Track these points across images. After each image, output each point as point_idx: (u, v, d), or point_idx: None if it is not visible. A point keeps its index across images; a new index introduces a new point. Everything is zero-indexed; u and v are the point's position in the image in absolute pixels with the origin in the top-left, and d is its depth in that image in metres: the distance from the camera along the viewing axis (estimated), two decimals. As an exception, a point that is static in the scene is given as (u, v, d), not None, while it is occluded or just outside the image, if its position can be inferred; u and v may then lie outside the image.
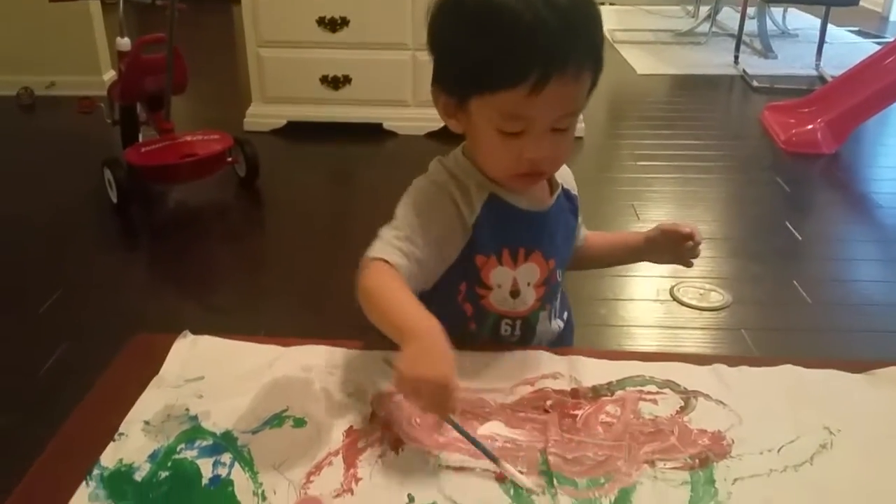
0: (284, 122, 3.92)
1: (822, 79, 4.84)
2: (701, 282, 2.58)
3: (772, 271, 2.74)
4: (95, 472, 0.82)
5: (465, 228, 1.02)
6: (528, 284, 1.06)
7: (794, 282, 2.61)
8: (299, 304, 2.46)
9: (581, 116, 3.77)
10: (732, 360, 1.02)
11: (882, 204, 3.32)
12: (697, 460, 0.85)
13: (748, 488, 0.82)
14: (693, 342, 2.33)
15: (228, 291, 2.63)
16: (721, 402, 0.94)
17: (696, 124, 4.16)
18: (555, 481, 0.81)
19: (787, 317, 2.47)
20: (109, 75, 4.45)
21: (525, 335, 1.10)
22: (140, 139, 3.27)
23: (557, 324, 1.15)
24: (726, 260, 2.79)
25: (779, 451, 0.87)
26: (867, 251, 2.96)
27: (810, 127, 3.83)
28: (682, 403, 0.94)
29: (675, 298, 2.52)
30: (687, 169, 3.58)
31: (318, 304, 2.41)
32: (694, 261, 1.19)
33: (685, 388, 0.96)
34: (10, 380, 2.12)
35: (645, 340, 2.34)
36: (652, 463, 0.85)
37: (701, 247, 1.17)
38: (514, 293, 1.06)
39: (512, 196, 1.04)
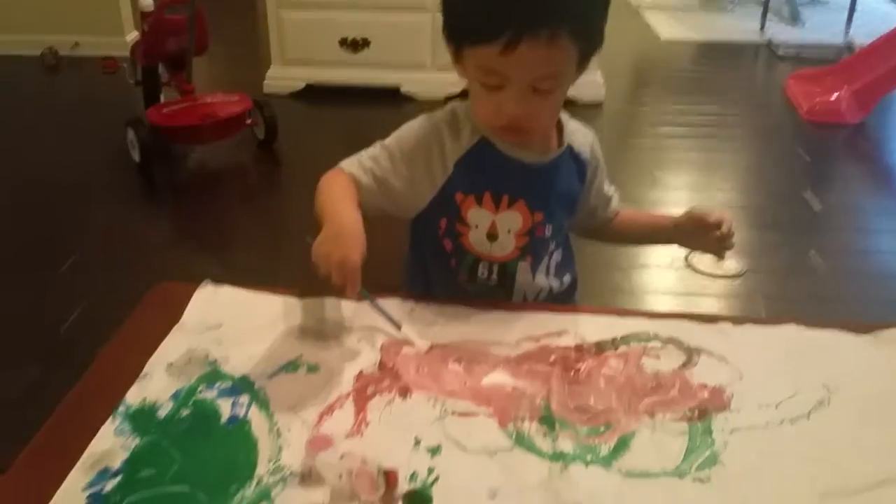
0: (303, 85, 3.93)
1: (850, 48, 4.76)
2: (716, 250, 2.58)
3: (789, 240, 2.74)
4: (121, 409, 0.86)
5: (445, 165, 1.08)
6: (509, 231, 1.10)
7: (812, 251, 2.62)
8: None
9: (601, 81, 3.83)
10: (738, 320, 1.05)
11: (908, 175, 3.29)
12: (696, 412, 0.88)
13: (745, 439, 0.84)
14: (707, 309, 2.35)
15: (247, 250, 2.68)
16: (723, 359, 0.97)
17: (719, 92, 4.13)
18: (557, 426, 0.84)
19: (802, 286, 2.47)
20: (132, 36, 4.48)
21: (503, 282, 1.13)
22: (161, 100, 3.30)
23: (549, 282, 1.17)
24: (743, 228, 2.78)
25: (777, 406, 0.89)
26: (888, 223, 2.94)
27: (835, 96, 3.79)
28: (685, 359, 0.97)
29: (689, 266, 2.53)
30: (707, 137, 3.56)
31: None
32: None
33: (689, 345, 0.99)
34: (34, 334, 2.18)
35: (658, 307, 2.36)
36: (652, 414, 0.88)
37: (734, 239, 1.14)
38: (492, 236, 1.10)
39: (506, 145, 1.08)
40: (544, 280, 1.16)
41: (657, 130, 3.64)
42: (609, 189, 1.25)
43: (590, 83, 3.72)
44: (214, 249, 2.69)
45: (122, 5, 4.52)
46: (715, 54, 4.89)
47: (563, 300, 1.20)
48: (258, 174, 3.32)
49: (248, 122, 3.23)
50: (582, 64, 1.01)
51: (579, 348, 0.98)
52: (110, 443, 0.82)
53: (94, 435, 0.83)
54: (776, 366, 0.96)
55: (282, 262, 2.53)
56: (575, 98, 3.36)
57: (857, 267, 2.60)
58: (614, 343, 0.99)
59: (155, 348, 0.96)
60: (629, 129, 3.70)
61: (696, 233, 1.16)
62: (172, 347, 0.96)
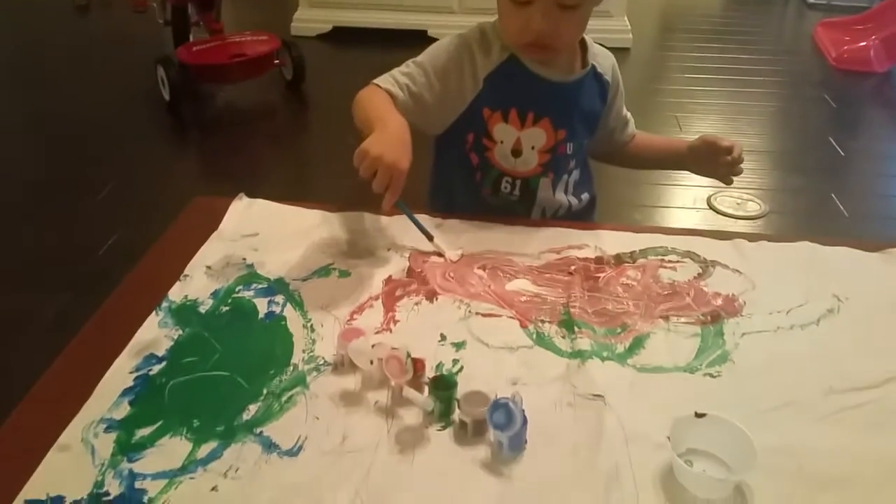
0: (330, 27, 3.94)
1: (882, -4, 4.69)
2: (739, 192, 2.60)
3: (811, 184, 2.75)
4: (164, 304, 0.92)
5: (476, 80, 1.11)
6: (532, 148, 1.14)
7: (833, 195, 2.62)
8: (342, 206, 2.54)
9: (628, 27, 3.79)
10: (753, 237, 1.08)
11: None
12: (709, 317, 0.92)
13: (755, 342, 0.88)
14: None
15: (274, 188, 2.66)
16: (737, 271, 1.00)
17: (747, 39, 4.09)
18: (575, 329, 0.89)
19: (823, 229, 2.48)
20: (161, -23, 4.49)
21: (525, 197, 1.17)
22: (191, 39, 3.33)
23: (568, 199, 1.21)
24: (767, 172, 2.79)
25: (787, 312, 0.93)
26: (911, 168, 2.94)
27: (863, 44, 3.75)
28: (700, 271, 1.01)
29: (711, 207, 2.54)
30: (734, 83, 3.54)
31: (362, 205, 2.49)
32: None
33: (704, 259, 1.03)
34: (71, 260, 2.25)
35: (678, 245, 2.38)
36: (666, 318, 0.92)
37: (742, 165, 1.17)
38: (516, 152, 1.13)
39: (533, 63, 1.11)
40: (563, 197, 1.20)
41: (684, 76, 3.62)
42: (626, 113, 1.29)
43: (617, 28, 3.70)
44: (242, 187, 2.68)
45: (151, -54, 4.52)
46: (745, 2, 4.83)
47: (581, 218, 1.24)
48: (286, 114, 3.35)
49: (276, 62, 3.25)
50: None
51: (599, 260, 1.02)
52: (155, 333, 0.87)
53: (140, 326, 0.88)
54: (788, 277, 0.99)
55: (308, 201, 2.58)
56: (602, 43, 3.35)
57: (876, 211, 2.61)
58: (633, 256, 1.03)
59: (194, 254, 1.01)
60: (656, 75, 3.68)
61: (708, 157, 1.19)
62: (211, 252, 1.01)
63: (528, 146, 1.13)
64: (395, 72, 1.12)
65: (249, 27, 3.49)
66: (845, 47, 3.77)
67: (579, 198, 1.23)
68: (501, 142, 1.13)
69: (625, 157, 1.33)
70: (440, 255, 1.01)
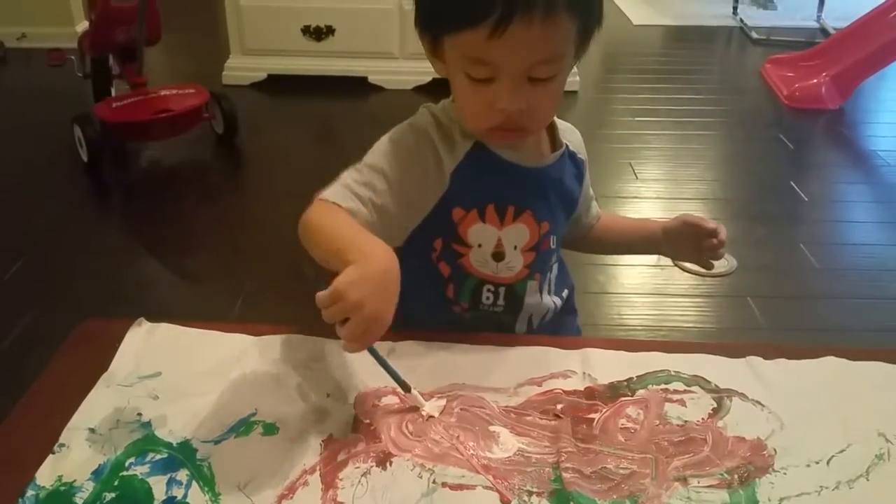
0: (265, 75, 3.73)
1: (823, 31, 4.67)
2: (704, 246, 2.45)
3: (777, 234, 2.62)
4: (30, 493, 0.69)
5: (442, 177, 0.92)
6: (515, 248, 0.95)
7: (801, 245, 2.50)
8: (281, 270, 2.31)
9: (575, 69, 3.67)
10: (768, 351, 0.90)
11: (891, 162, 3.18)
12: (737, 476, 0.73)
13: (797, 511, 0.70)
14: (697, 311, 2.22)
15: (206, 256, 2.49)
16: (759, 403, 0.82)
17: (695, 78, 4.00)
18: (572, 504, 0.69)
19: (795, 283, 2.35)
20: (83, 26, 4.23)
21: (511, 306, 0.98)
22: (113, 93, 3.08)
23: (553, 301, 1.04)
24: (729, 222, 2.60)
25: (828, 462, 0.75)
26: (879, 213, 2.82)
27: (814, 81, 3.68)
28: (715, 405, 0.82)
29: (677, 264, 2.38)
30: (686, 125, 3.43)
31: (302, 270, 2.27)
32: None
33: (717, 386, 0.84)
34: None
35: (646, 309, 2.22)
36: (684, 480, 0.72)
37: (723, 250, 1.05)
38: (498, 255, 0.95)
39: (502, 148, 0.93)
40: (549, 299, 1.03)
41: (634, 120, 3.50)
42: (592, 192, 1.12)
43: (564, 71, 3.56)
44: (171, 256, 2.50)
45: (72, -6, 4.28)
46: (688, 39, 4.78)
47: (565, 317, 1.07)
48: (217, 172, 3.11)
49: (206, 115, 3.03)
50: (582, 44, 0.86)
51: (590, 393, 0.83)
52: (12, 544, 0.65)
53: (-6, 530, 0.66)
54: (820, 410, 0.81)
55: (243, 269, 2.36)
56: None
57: (848, 262, 2.48)
58: (630, 385, 0.84)
59: (76, 407, 0.78)
60: (605, 119, 3.55)
61: (688, 240, 1.05)
62: (96, 407, 0.79)
63: (509, 246, 0.94)
64: (349, 180, 0.88)
65: (178, 78, 3.28)
66: (797, 85, 3.70)
67: (561, 295, 1.06)
68: (479, 245, 0.93)
69: (589, 243, 1.17)
70: (417, 409, 0.79)
